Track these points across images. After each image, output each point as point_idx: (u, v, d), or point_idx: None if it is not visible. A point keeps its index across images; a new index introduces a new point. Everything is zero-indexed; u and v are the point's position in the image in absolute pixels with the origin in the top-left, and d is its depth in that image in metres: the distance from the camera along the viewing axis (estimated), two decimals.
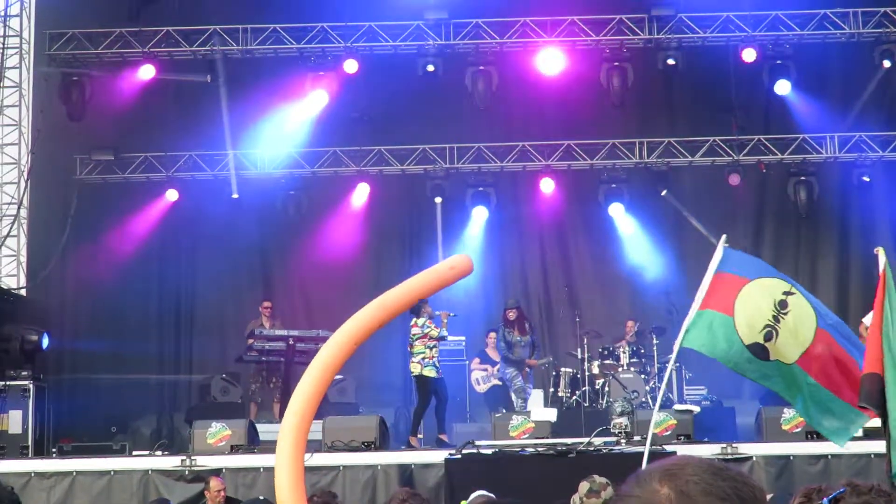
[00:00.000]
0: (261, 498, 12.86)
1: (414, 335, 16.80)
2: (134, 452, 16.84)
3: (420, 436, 19.44)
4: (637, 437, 15.08)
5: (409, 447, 16.40)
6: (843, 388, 9.28)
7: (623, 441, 14.63)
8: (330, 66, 20.72)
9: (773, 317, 9.30)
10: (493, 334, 19.98)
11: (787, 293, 9.42)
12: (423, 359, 16.71)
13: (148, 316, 22.72)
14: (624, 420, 15.43)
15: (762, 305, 9.37)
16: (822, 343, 9.33)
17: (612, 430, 15.33)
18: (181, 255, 22.88)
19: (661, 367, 18.84)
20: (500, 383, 19.41)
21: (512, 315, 18.76)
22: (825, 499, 4.15)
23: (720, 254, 9.59)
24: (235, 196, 21.83)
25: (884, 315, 9.00)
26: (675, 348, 9.96)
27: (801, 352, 9.25)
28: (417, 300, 2.88)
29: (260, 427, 17.18)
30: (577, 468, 12.23)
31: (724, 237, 9.76)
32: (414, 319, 16.84)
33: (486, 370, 19.54)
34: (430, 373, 16.74)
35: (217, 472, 14.43)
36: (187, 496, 14.48)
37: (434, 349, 16.76)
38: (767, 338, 9.27)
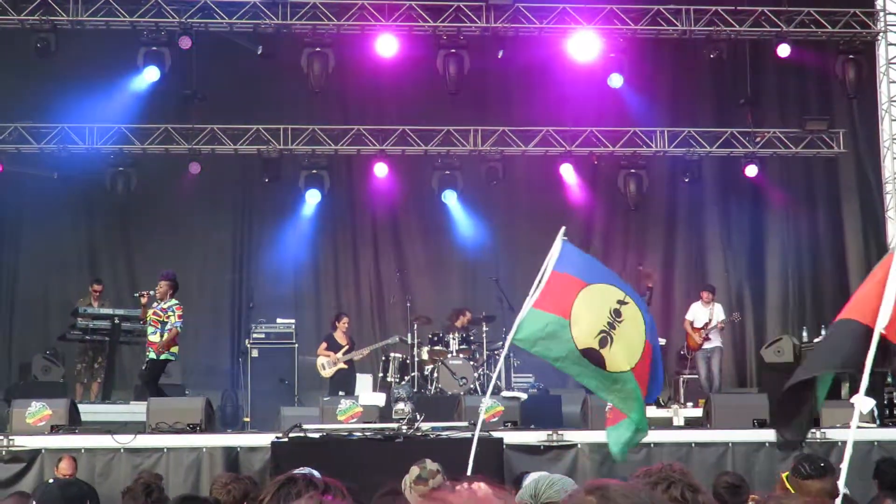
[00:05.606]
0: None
1: None
2: None
3: (246, 419, 19.28)
4: (464, 423, 15.15)
5: None
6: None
7: (405, 427, 14.58)
8: (163, 42, 20.27)
9: (608, 323, 9.27)
10: (345, 318, 19.82)
11: (622, 302, 9.38)
12: None
13: None
14: (402, 405, 15.43)
15: (599, 311, 9.32)
16: (647, 356, 9.38)
17: (393, 416, 15.35)
18: (3, 230, 22.25)
19: (490, 355, 18.95)
20: (345, 367, 19.20)
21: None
22: None
23: (559, 247, 9.52)
24: (55, 176, 21.35)
25: None
26: (507, 343, 9.94)
27: (635, 361, 9.25)
28: None
29: (82, 407, 16.81)
30: (405, 453, 12.24)
31: (562, 230, 9.63)
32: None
33: (329, 355, 19.22)
34: None
35: (72, 453, 13.99)
36: (5, 476, 14.07)
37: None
38: (602, 344, 9.22)
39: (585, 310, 9.34)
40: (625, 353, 9.29)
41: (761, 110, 23.03)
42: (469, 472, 8.16)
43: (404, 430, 14.26)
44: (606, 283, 9.60)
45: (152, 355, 16.23)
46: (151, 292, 16.44)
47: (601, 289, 9.50)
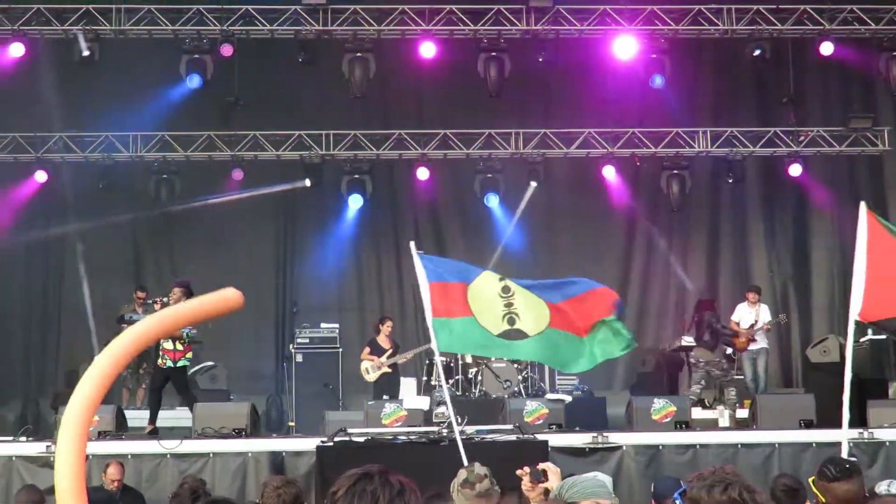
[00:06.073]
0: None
1: None
2: None
3: (291, 423, 19.35)
4: (508, 426, 15.14)
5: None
6: (580, 329, 10.43)
7: (444, 431, 14.58)
8: (205, 49, 20.37)
9: (505, 304, 10.33)
10: (388, 322, 19.46)
11: (501, 279, 10.62)
12: None
13: (13, 300, 22.25)
14: (444, 409, 15.44)
15: (491, 300, 10.41)
16: (555, 310, 10.42)
17: (433, 420, 15.39)
18: (49, 238, 22.38)
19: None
20: (389, 371, 19.04)
21: None
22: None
23: (418, 260, 10.27)
24: (101, 186, 21.50)
25: None
26: (437, 357, 10.77)
27: (547, 320, 10.19)
28: (182, 327, 2.83)
29: (128, 413, 16.92)
30: (449, 456, 12.23)
31: (412, 244, 10.49)
32: None
33: (373, 360, 18.99)
34: None
35: (119, 459, 14.03)
36: (52, 483, 14.15)
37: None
38: (511, 322, 10.28)
39: (481, 303, 10.37)
40: (535, 317, 10.32)
41: (804, 109, 22.87)
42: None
43: (444, 434, 14.27)
44: (478, 274, 10.75)
45: (169, 363, 16.18)
46: (165, 299, 16.45)
47: (479, 282, 10.54)
